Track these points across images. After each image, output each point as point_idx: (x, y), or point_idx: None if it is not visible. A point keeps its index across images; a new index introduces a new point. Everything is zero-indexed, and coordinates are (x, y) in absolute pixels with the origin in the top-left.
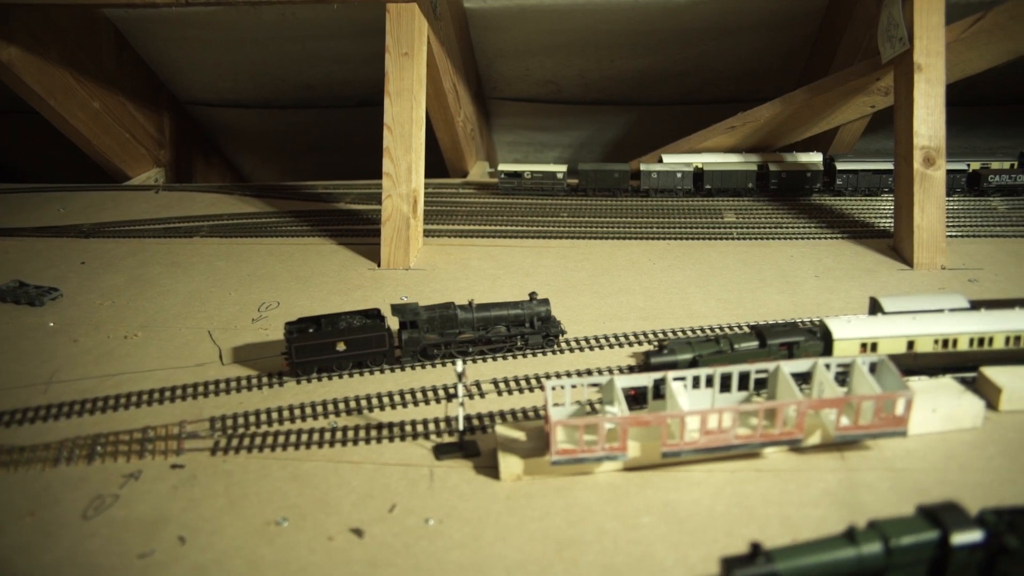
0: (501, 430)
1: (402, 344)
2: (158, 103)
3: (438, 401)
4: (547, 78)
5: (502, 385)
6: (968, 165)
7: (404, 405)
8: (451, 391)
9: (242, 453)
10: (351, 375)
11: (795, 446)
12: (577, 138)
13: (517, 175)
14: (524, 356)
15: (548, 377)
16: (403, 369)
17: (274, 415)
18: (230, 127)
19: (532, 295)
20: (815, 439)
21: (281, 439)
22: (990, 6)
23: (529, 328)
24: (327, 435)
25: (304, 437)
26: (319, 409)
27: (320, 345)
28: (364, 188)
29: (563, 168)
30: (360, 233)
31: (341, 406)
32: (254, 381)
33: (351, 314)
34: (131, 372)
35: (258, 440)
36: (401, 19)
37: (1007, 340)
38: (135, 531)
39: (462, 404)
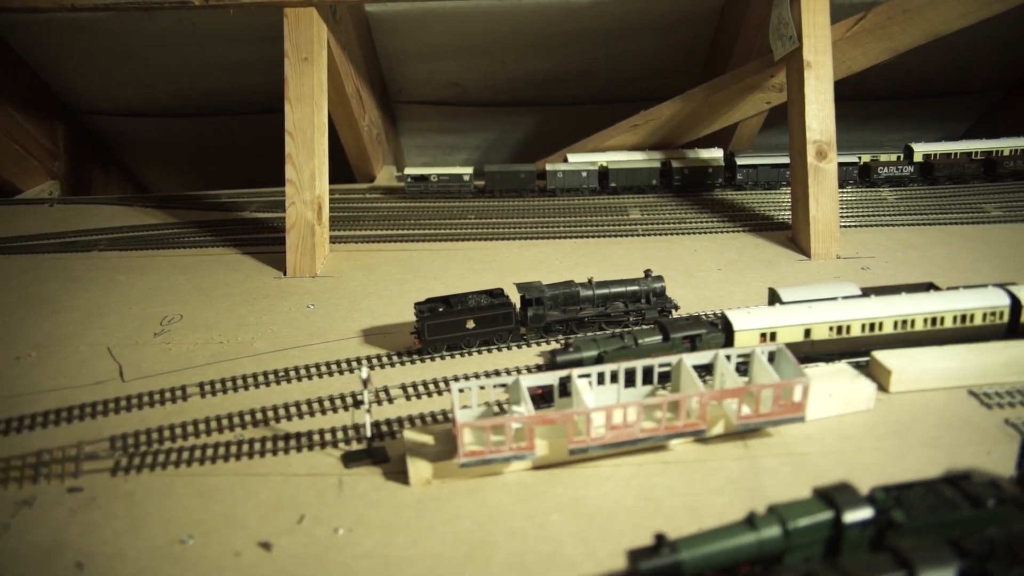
0: (409, 435)
1: (527, 321)
2: (51, 113)
3: (346, 409)
4: (452, 80)
5: (410, 389)
6: (859, 158)
7: (312, 414)
8: (358, 398)
9: (144, 472)
10: (258, 387)
11: (699, 437)
12: (485, 140)
13: (424, 178)
14: (433, 360)
15: (456, 379)
16: (528, 344)
17: (178, 431)
18: (130, 137)
19: (647, 272)
20: (719, 429)
21: (185, 455)
22: (871, 7)
23: (645, 304)
24: (233, 448)
25: (209, 452)
26: (224, 422)
27: (451, 323)
28: (269, 196)
29: (470, 170)
30: (266, 242)
31: (247, 418)
32: (156, 397)
33: (476, 293)
34: (24, 394)
35: (161, 457)
36: (299, 23)
37: (895, 324)
38: (29, 561)
39: (369, 411)
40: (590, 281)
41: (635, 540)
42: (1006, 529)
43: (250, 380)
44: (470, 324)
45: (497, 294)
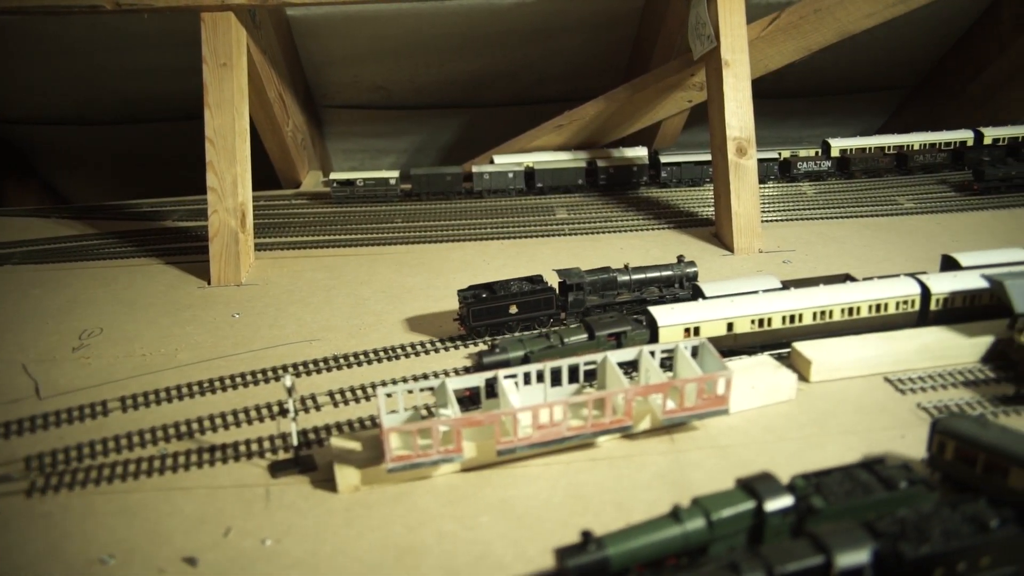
0: (336, 442)
1: (567, 305)
2: None
3: (272, 418)
4: (377, 84)
5: (338, 396)
6: (779, 154)
7: (237, 425)
8: (284, 406)
9: (63, 492)
10: (181, 399)
11: (626, 433)
12: (412, 143)
13: (350, 183)
14: (360, 366)
15: (384, 384)
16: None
17: (98, 447)
18: (45, 146)
19: (680, 257)
20: (645, 424)
21: (106, 472)
22: (785, 7)
23: (679, 288)
24: (156, 463)
25: (132, 467)
26: (147, 437)
27: (495, 308)
28: (192, 204)
29: (396, 174)
30: (189, 251)
31: (171, 431)
32: (75, 413)
33: (517, 280)
34: None
35: (80, 476)
36: (217, 28)
37: (814, 315)
38: None
39: (295, 419)
40: (626, 267)
41: (564, 538)
42: (917, 509)
43: (173, 392)
44: (513, 309)
45: (537, 280)
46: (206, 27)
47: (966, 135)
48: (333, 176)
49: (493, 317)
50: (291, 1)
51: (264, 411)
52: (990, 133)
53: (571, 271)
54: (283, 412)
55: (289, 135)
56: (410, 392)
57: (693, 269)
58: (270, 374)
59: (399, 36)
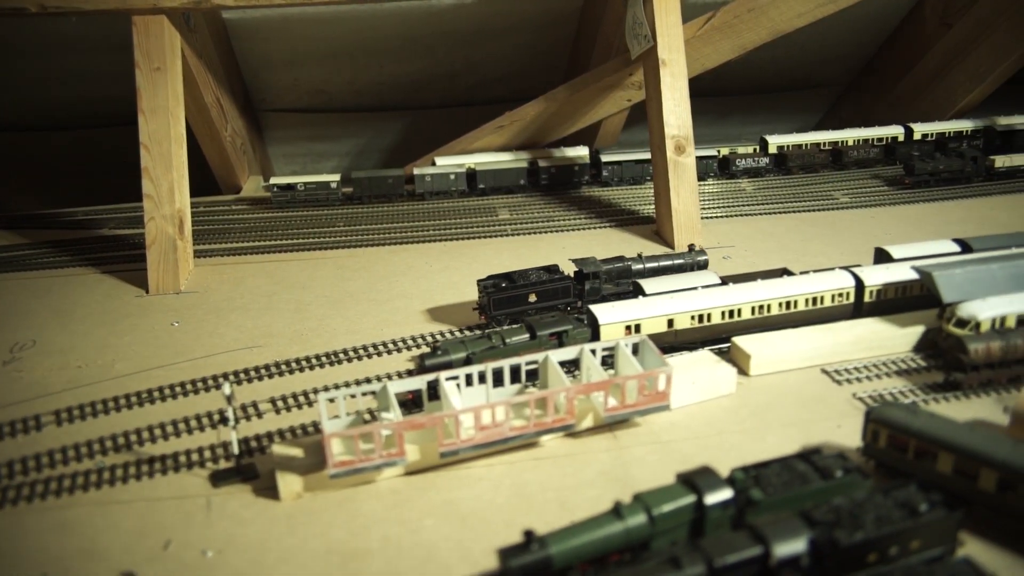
0: (278, 449)
1: (584, 293)
2: None
3: (213, 427)
4: (317, 87)
5: (280, 403)
6: (718, 151)
7: (177, 435)
8: (225, 415)
9: None
10: (119, 411)
11: (569, 431)
12: (355, 146)
13: (290, 187)
14: (302, 371)
15: (327, 389)
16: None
17: (31, 463)
18: None
19: (691, 246)
20: (588, 422)
21: (40, 488)
22: (721, 6)
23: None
24: (93, 477)
25: (67, 482)
26: (83, 450)
27: (515, 297)
28: (129, 212)
29: (337, 177)
30: (126, 259)
31: (108, 444)
32: (7, 429)
33: (535, 269)
34: None
35: (12, 493)
36: (150, 32)
37: (753, 310)
38: None
39: (234, 428)
40: (639, 256)
41: (508, 539)
42: (851, 497)
43: (111, 404)
44: (532, 298)
45: (553, 270)
46: (138, 31)
47: (897, 131)
48: (273, 180)
49: (513, 306)
50: (225, 4)
51: (205, 420)
52: (919, 129)
53: (588, 260)
54: (223, 421)
55: (228, 140)
56: (352, 397)
57: (704, 257)
58: (211, 382)
59: (338, 38)
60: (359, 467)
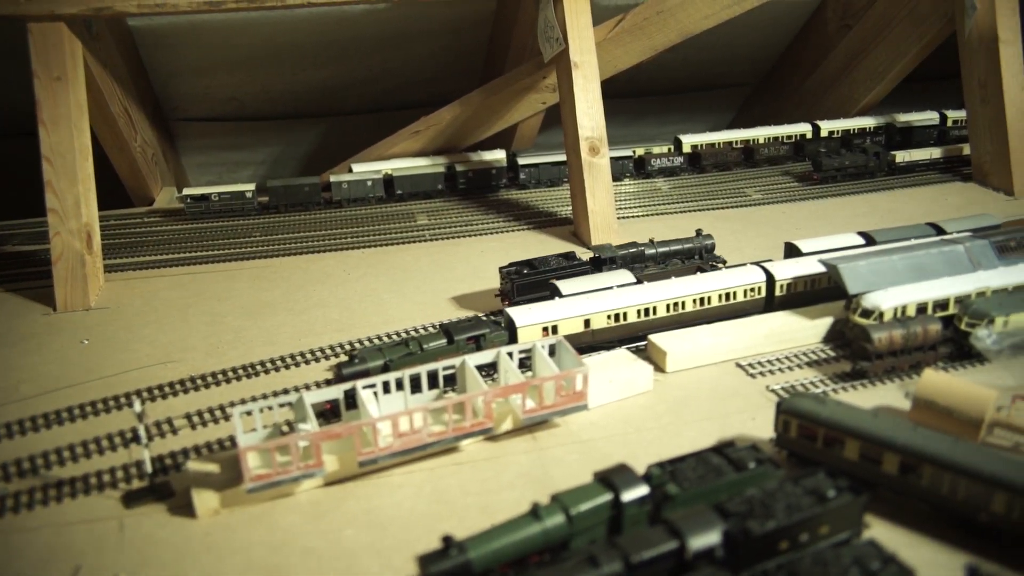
0: (194, 465)
1: None
2: None
3: (125, 446)
4: (230, 95)
5: (195, 418)
6: (634, 151)
7: (87, 456)
8: (137, 433)
9: None
10: (24, 434)
11: (489, 435)
12: (271, 154)
13: (204, 198)
14: (218, 385)
15: (244, 402)
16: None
17: None
18: None
19: (698, 231)
20: (507, 425)
21: None
22: (631, 9)
23: (699, 259)
24: None
25: None
26: None
27: (537, 283)
28: (33, 227)
29: (252, 187)
30: (32, 276)
31: (12, 469)
32: None
33: (554, 256)
34: None
35: None
36: (48, 40)
37: (668, 307)
38: None
39: (147, 446)
40: (651, 241)
41: (429, 545)
42: (763, 487)
43: (15, 427)
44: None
45: (571, 256)
46: (34, 39)
47: (805, 128)
48: (187, 191)
49: (535, 291)
50: (127, 10)
51: (117, 440)
52: (826, 126)
53: (604, 247)
54: (136, 439)
55: (138, 151)
56: (270, 408)
57: (710, 242)
58: (123, 401)
59: (250, 45)
60: (277, 480)
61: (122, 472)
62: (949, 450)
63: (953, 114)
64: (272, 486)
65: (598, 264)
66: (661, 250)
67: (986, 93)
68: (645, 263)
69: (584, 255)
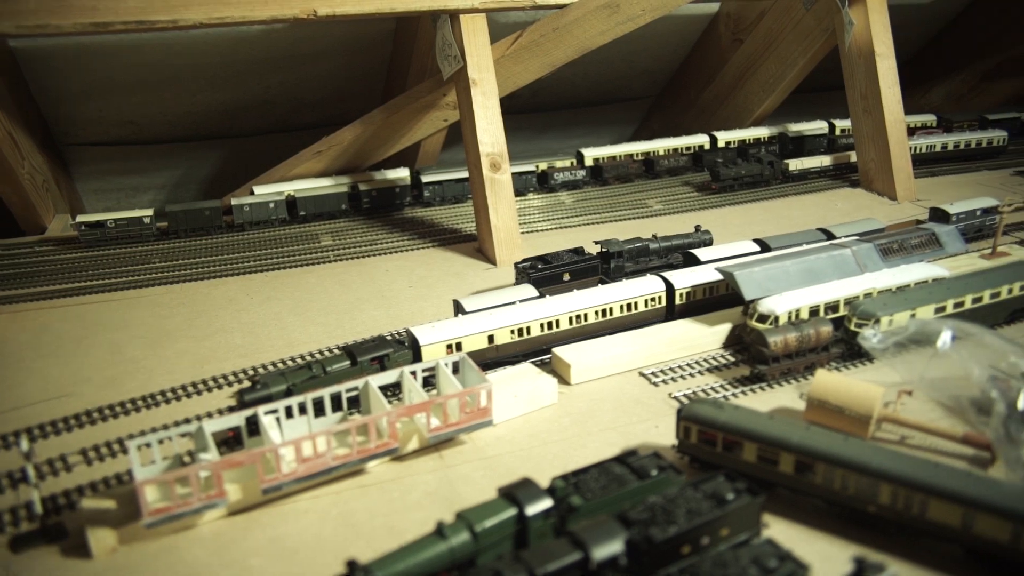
0: (89, 503)
1: (609, 271)
2: None
3: (14, 487)
4: (126, 118)
5: (91, 453)
6: (536, 166)
7: None
8: (26, 473)
9: None
10: None
11: (395, 455)
12: (170, 178)
13: (100, 225)
14: (116, 418)
15: (143, 433)
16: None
17: None
18: None
19: (697, 227)
20: (413, 444)
21: None
22: (528, 26)
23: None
24: None
25: None
26: None
27: (551, 276)
28: None
29: (150, 212)
30: None
31: None
32: None
33: (565, 252)
34: None
35: None
36: None
37: (570, 320)
38: None
39: (36, 486)
40: (655, 236)
41: (337, 570)
42: (665, 494)
43: None
44: (566, 277)
45: (580, 251)
46: None
47: (703, 139)
48: (80, 219)
49: (549, 284)
50: (5, 31)
51: (4, 481)
52: (723, 137)
53: (611, 241)
54: (24, 479)
55: (26, 178)
56: (170, 439)
57: (708, 236)
58: (11, 440)
59: (144, 67)
60: (177, 513)
61: (10, 515)
62: (840, 448)
63: (840, 123)
64: (172, 519)
65: (606, 258)
66: (664, 244)
67: (867, 104)
68: (650, 256)
69: (592, 250)
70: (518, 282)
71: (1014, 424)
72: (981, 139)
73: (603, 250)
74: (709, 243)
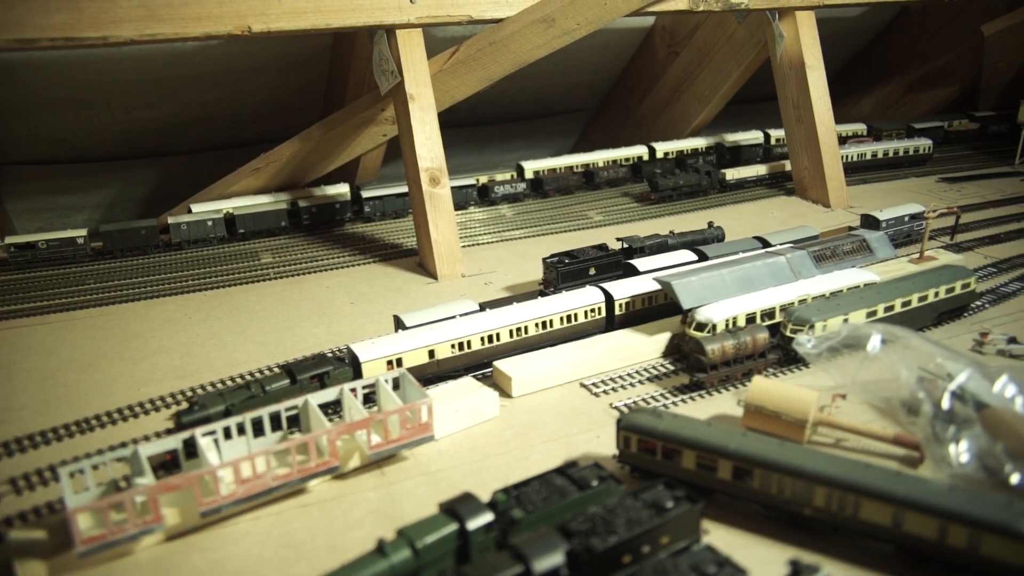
0: (17, 534)
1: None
2: None
3: None
4: (57, 136)
5: (21, 482)
6: (477, 179)
7: None
8: None
9: None
10: None
11: (336, 473)
12: (106, 197)
13: (30, 246)
14: (49, 444)
15: (76, 459)
16: None
17: None
18: None
19: (710, 223)
20: (355, 462)
21: None
22: (465, 40)
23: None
24: None
25: None
26: None
27: (578, 271)
28: None
29: (84, 232)
30: None
31: None
32: None
33: (590, 248)
34: None
35: None
36: None
37: (511, 333)
38: None
39: None
40: (672, 233)
41: None
42: (606, 504)
43: None
44: (592, 271)
45: (603, 247)
46: None
47: (641, 151)
48: (9, 240)
49: (577, 278)
50: None
51: None
52: (661, 148)
53: (632, 238)
54: None
55: None
56: (105, 465)
57: (720, 231)
58: None
59: (75, 84)
60: (112, 540)
61: None
62: (776, 453)
63: (775, 133)
64: (107, 547)
65: (629, 253)
66: (681, 240)
67: (800, 113)
68: (668, 251)
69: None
70: (547, 277)
71: (940, 424)
72: (908, 147)
73: (626, 246)
74: (721, 238)
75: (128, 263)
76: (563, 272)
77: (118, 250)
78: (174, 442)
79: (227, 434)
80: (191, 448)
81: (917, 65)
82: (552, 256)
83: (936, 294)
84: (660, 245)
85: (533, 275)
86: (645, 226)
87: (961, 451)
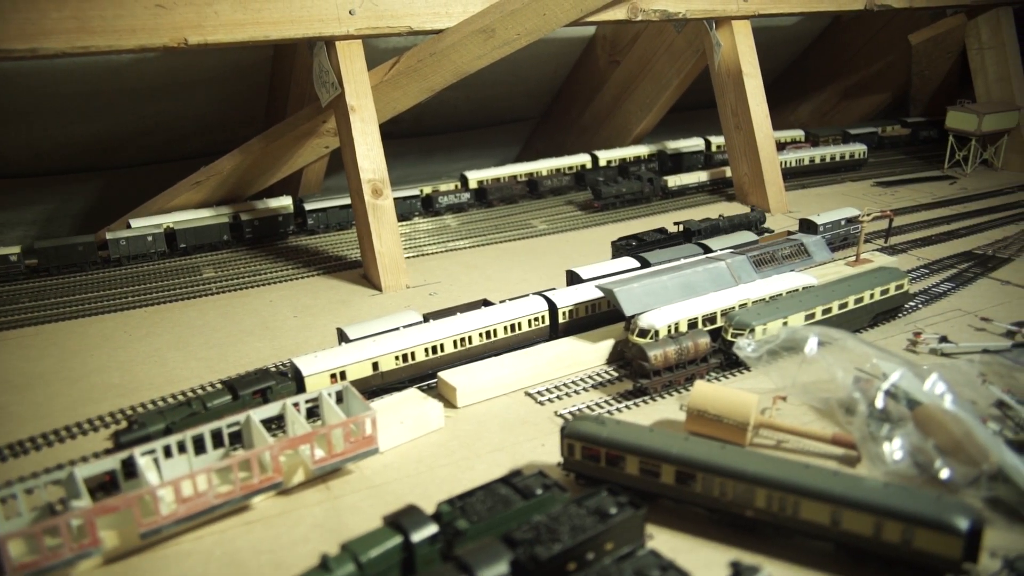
0: None
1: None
2: None
3: None
4: None
5: None
6: (421, 190)
7: None
8: None
9: None
10: None
11: (279, 489)
12: (42, 213)
13: None
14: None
15: (9, 484)
16: None
17: None
18: None
19: (753, 207)
20: (299, 477)
21: None
22: (405, 51)
23: (754, 230)
24: None
25: None
26: None
27: (647, 250)
28: None
29: (17, 249)
30: None
31: None
32: None
33: (651, 232)
34: None
35: None
36: None
37: (455, 343)
38: None
39: None
40: (721, 216)
41: None
42: (549, 512)
43: None
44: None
45: (663, 231)
46: None
47: (584, 159)
48: None
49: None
50: None
51: None
52: (604, 156)
53: (690, 221)
54: None
55: None
56: (39, 488)
57: (761, 214)
58: None
59: (4, 97)
60: (46, 566)
61: None
62: (717, 456)
63: (715, 140)
64: (42, 574)
65: (688, 235)
66: (728, 222)
67: (738, 120)
68: (720, 232)
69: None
70: (615, 257)
71: (875, 422)
72: (844, 152)
73: (683, 228)
74: (762, 221)
75: (65, 280)
76: (632, 253)
77: (54, 267)
78: (112, 462)
79: (167, 453)
80: (130, 468)
81: (851, 73)
82: (621, 239)
83: (872, 296)
84: (713, 228)
85: (478, 285)
86: (589, 234)
87: (895, 449)
